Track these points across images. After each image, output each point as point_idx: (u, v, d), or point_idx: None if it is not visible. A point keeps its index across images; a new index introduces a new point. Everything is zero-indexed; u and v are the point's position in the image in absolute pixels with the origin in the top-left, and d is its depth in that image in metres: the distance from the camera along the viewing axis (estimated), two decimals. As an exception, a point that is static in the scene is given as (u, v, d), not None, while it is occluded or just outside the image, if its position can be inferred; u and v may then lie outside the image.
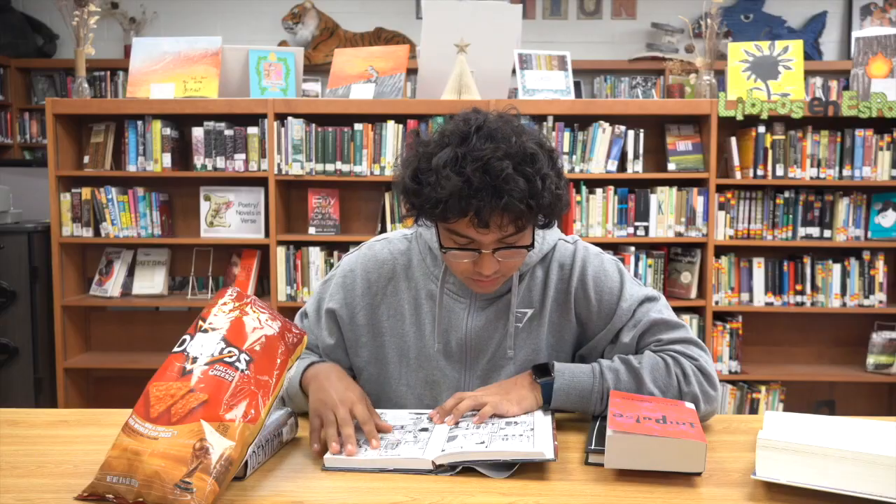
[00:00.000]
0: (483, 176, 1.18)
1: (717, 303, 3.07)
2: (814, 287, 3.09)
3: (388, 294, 1.43)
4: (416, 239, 1.45)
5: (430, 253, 1.41)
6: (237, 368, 1.05)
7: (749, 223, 3.06)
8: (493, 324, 1.39)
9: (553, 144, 1.30)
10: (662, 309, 1.39)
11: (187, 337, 1.09)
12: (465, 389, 1.40)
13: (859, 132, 3.01)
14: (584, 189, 3.04)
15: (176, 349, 1.08)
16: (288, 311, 3.16)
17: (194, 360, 1.05)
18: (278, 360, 1.10)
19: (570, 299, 1.39)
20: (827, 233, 3.06)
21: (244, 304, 1.14)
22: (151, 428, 0.98)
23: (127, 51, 5.42)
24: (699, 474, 1.08)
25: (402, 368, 1.42)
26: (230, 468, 0.97)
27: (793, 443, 1.04)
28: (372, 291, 1.43)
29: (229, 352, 1.06)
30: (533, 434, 1.16)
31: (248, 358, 1.06)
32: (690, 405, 1.24)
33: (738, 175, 3.03)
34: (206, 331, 1.09)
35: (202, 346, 1.07)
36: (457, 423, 1.24)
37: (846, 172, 3.03)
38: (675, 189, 3.04)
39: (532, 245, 1.30)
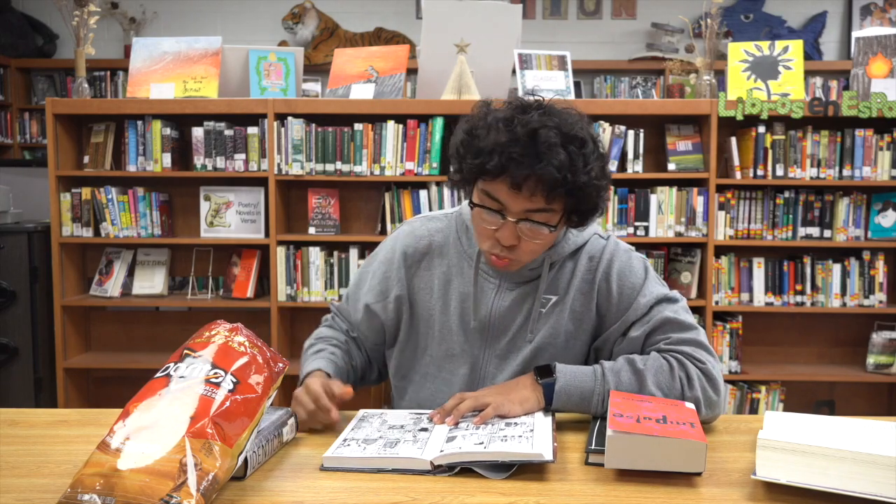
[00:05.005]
0: (529, 139, 1.24)
1: (717, 303, 3.07)
2: (814, 287, 3.09)
3: (422, 269, 1.50)
4: (455, 218, 1.51)
5: (467, 232, 1.46)
6: (224, 388, 1.04)
7: (749, 223, 3.06)
8: (518, 306, 1.44)
9: (602, 145, 1.35)
10: (679, 310, 1.39)
11: (171, 364, 1.08)
12: (482, 366, 1.46)
13: (859, 132, 3.01)
14: (584, 189, 3.03)
15: (159, 374, 1.07)
16: (288, 312, 3.18)
17: (181, 379, 1.04)
18: (261, 388, 1.09)
19: (594, 290, 1.42)
20: (827, 233, 3.06)
21: (232, 331, 1.14)
22: (133, 444, 0.96)
23: (127, 51, 5.42)
24: (699, 474, 1.08)
25: (428, 340, 1.49)
26: (216, 485, 0.97)
27: (793, 443, 1.04)
28: (407, 264, 1.50)
29: (216, 373, 1.06)
30: (532, 435, 1.16)
31: (234, 380, 1.06)
32: (691, 405, 1.24)
33: (738, 175, 3.03)
34: (192, 357, 1.08)
35: (188, 368, 1.06)
36: (456, 424, 1.24)
37: (846, 172, 3.03)
38: (675, 189, 3.04)
39: (555, 227, 1.31)
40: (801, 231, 3.06)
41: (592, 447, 1.16)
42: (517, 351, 1.44)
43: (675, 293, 1.42)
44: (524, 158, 1.23)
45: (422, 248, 1.50)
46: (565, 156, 1.24)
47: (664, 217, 3.05)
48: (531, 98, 1.34)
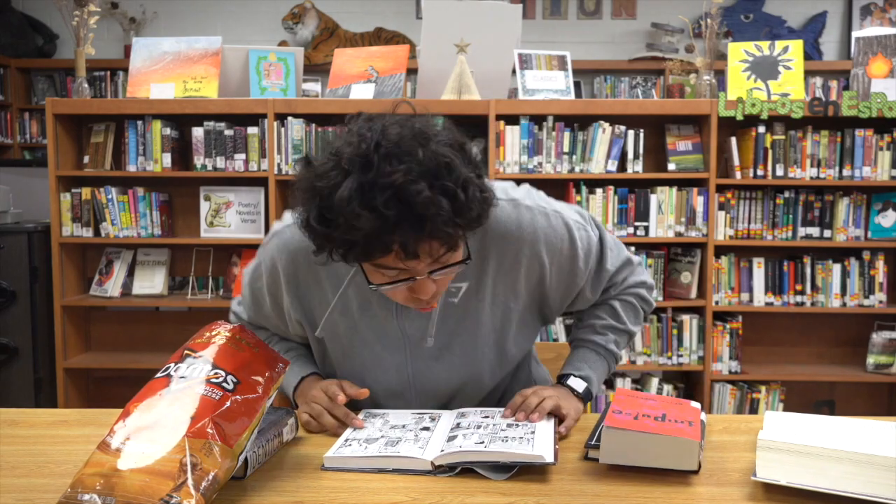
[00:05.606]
0: (399, 206, 1.01)
1: (717, 303, 3.07)
2: (814, 287, 3.09)
3: (311, 283, 1.33)
4: None
5: None
6: (224, 389, 1.04)
7: (749, 223, 3.06)
8: None
9: (459, 135, 1.13)
10: (609, 255, 1.42)
11: (171, 364, 1.08)
12: (409, 372, 1.37)
13: (859, 132, 3.01)
14: (584, 189, 3.03)
15: (159, 375, 1.07)
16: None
17: (181, 380, 1.04)
18: (261, 388, 1.09)
19: (520, 268, 1.31)
20: (827, 233, 3.06)
21: (232, 332, 1.14)
22: (134, 444, 0.96)
23: (127, 51, 5.42)
24: (696, 472, 1.08)
25: (339, 356, 1.39)
26: (216, 485, 0.97)
27: (793, 443, 1.04)
28: (291, 284, 1.34)
29: (216, 373, 1.06)
30: (533, 437, 1.16)
31: (234, 380, 1.06)
32: (696, 404, 1.24)
33: (738, 175, 3.03)
34: (192, 357, 1.08)
35: (188, 368, 1.06)
36: (458, 424, 1.24)
37: (846, 172, 3.03)
38: (675, 189, 3.04)
39: (469, 257, 1.18)
40: (801, 231, 3.06)
41: (592, 443, 1.16)
42: (444, 347, 1.34)
43: (595, 228, 1.39)
44: (407, 231, 1.03)
45: (301, 262, 1.30)
46: (446, 201, 1.02)
47: (664, 217, 3.05)
48: (356, 135, 1.07)
